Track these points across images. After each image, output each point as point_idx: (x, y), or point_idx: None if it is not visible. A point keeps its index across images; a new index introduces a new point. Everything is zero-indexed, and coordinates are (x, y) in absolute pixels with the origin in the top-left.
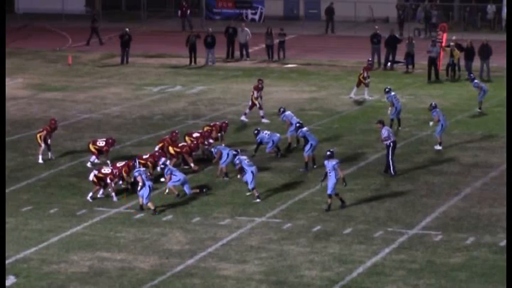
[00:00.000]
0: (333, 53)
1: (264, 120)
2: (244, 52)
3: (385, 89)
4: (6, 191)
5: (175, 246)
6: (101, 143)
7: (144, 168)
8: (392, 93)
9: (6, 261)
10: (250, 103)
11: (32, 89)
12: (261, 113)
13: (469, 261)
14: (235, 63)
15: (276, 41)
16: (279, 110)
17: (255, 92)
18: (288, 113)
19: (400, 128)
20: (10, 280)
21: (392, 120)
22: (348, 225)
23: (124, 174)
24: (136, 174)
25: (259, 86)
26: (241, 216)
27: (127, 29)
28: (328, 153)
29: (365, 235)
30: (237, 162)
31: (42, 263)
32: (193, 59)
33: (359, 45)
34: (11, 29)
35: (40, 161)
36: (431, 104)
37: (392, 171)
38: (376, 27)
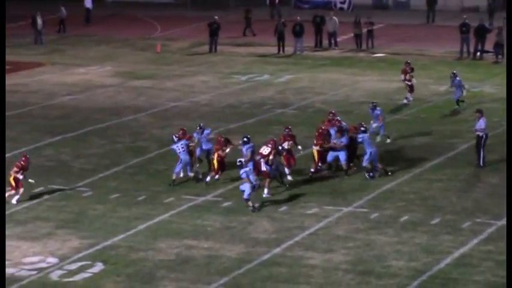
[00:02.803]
0: (421, 43)
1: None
2: (332, 41)
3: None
4: (95, 178)
5: (262, 235)
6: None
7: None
8: (458, 78)
9: (95, 248)
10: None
11: (120, 77)
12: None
13: None
14: (323, 52)
15: (364, 30)
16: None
17: (402, 76)
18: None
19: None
20: (98, 267)
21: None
22: (436, 215)
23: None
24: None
25: (407, 68)
26: (329, 205)
27: (216, 17)
28: (238, 163)
29: (453, 226)
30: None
31: (129, 250)
32: (281, 48)
33: (448, 35)
34: (100, 17)
35: (14, 201)
36: (372, 103)
37: (481, 163)
38: (465, 16)
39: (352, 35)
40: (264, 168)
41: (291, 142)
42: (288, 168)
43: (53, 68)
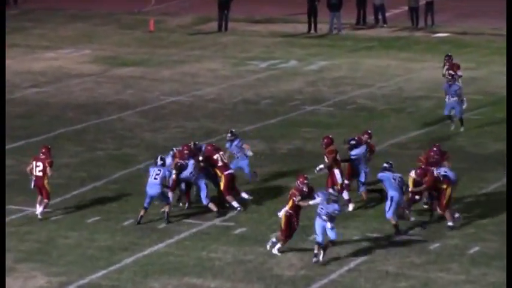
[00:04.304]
0: (496, 19)
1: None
2: (379, 16)
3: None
4: (68, 196)
5: (287, 272)
6: None
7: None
8: (457, 84)
9: (68, 287)
10: None
11: (102, 64)
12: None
13: None
14: (367, 30)
15: (422, 2)
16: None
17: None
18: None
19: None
20: None
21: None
22: None
23: None
24: None
25: (446, 64)
26: (374, 232)
27: None
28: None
29: None
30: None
31: None
32: (312, 25)
33: None
34: None
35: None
36: (231, 132)
37: None
38: None
39: (405, 8)
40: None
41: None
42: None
43: (12, 52)
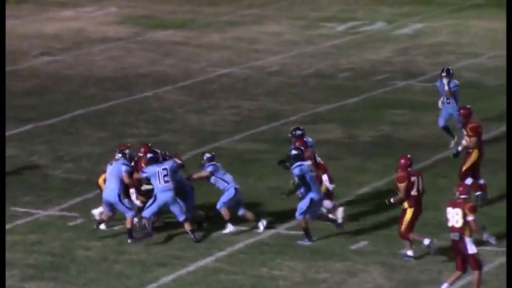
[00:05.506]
0: None
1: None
2: None
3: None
4: (89, 195)
5: None
6: None
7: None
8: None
9: None
10: None
11: (132, 25)
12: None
13: None
14: None
15: None
16: None
17: None
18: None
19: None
20: None
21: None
22: None
23: None
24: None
25: None
26: (482, 244)
27: None
28: None
29: None
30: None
31: None
32: None
33: None
34: None
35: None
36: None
37: None
38: None
39: None
40: None
41: None
42: None
43: (19, 10)
